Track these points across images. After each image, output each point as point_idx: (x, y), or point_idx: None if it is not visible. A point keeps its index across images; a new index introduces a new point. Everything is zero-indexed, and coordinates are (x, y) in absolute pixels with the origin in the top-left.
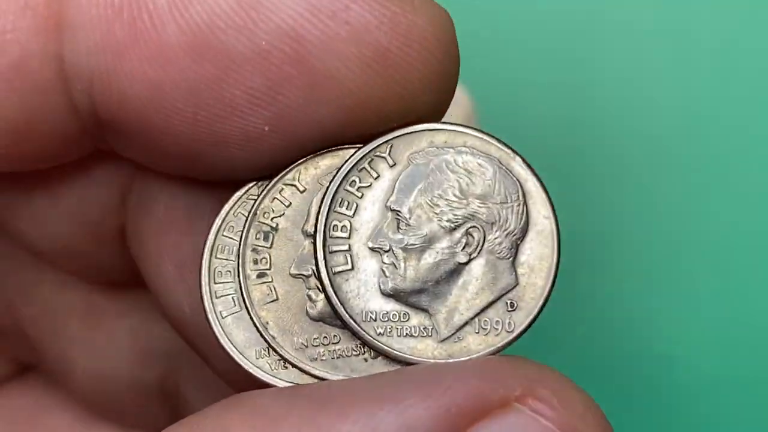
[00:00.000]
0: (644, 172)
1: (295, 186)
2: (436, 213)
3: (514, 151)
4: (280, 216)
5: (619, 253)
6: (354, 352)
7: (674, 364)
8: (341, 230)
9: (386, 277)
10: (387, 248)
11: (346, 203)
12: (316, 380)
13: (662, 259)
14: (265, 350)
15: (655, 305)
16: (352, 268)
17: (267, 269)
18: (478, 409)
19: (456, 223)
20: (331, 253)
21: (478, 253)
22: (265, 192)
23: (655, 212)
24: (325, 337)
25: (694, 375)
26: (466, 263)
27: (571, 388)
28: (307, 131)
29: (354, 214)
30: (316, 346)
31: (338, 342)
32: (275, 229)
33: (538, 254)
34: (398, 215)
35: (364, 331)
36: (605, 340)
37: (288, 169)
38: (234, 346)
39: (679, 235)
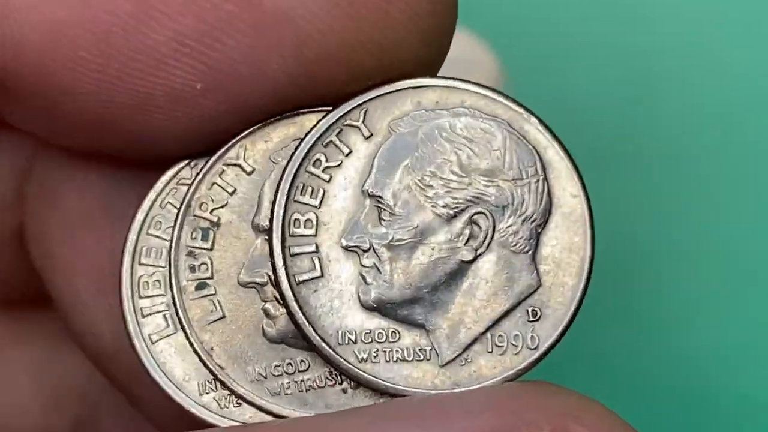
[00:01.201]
0: (701, 160)
1: (239, 166)
2: (429, 197)
3: (528, 110)
4: (221, 207)
5: (663, 251)
6: (329, 382)
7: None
8: (305, 225)
9: (367, 284)
10: (367, 246)
11: (309, 189)
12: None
13: (713, 258)
14: (210, 383)
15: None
16: (322, 275)
17: (208, 278)
18: None
19: (456, 209)
20: (293, 255)
21: (487, 247)
22: (201, 175)
23: (711, 206)
24: (290, 363)
25: None
26: (472, 261)
27: (617, 425)
28: (254, 91)
29: (321, 203)
30: (278, 375)
31: (307, 369)
32: (216, 224)
33: (565, 244)
34: (379, 202)
35: (341, 356)
36: (652, 356)
37: (230, 144)
38: (169, 380)
39: (736, 234)
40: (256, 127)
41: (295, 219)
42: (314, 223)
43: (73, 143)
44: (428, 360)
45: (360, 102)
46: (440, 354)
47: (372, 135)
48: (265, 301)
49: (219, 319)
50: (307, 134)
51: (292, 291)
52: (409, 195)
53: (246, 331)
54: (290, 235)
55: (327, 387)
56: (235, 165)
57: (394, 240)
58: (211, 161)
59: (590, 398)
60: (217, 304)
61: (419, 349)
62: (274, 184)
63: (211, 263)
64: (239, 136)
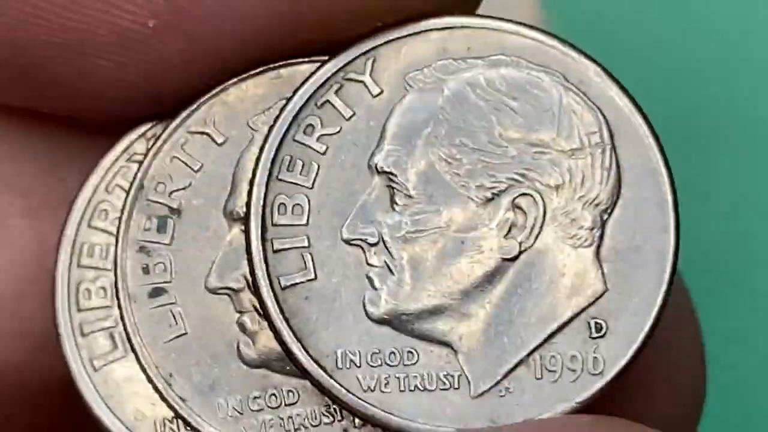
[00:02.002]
0: None
1: (208, 135)
2: (458, 175)
3: (589, 57)
4: (184, 188)
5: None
6: (325, 420)
7: None
8: (293, 212)
9: (376, 289)
10: (375, 240)
11: (299, 164)
12: None
13: None
14: (170, 422)
15: None
16: (315, 277)
17: (166, 282)
18: None
19: (494, 191)
20: (277, 252)
21: (536, 239)
22: (157, 146)
23: None
24: (273, 395)
25: None
26: (515, 258)
27: None
28: (225, 31)
29: (314, 182)
30: (258, 410)
31: (296, 402)
32: (176, 211)
33: (640, 236)
34: (392, 181)
35: (341, 384)
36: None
37: (195, 105)
38: (117, 418)
39: None
40: (229, 82)
41: (280, 204)
42: (305, 208)
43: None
44: (456, 389)
45: (367, 48)
46: (472, 382)
47: (382, 92)
48: (241, 312)
49: (180, 335)
50: (295, 91)
51: (276, 298)
52: (431, 172)
53: (216, 351)
54: (273, 225)
55: (323, 425)
56: (201, 133)
57: (412, 231)
58: (170, 128)
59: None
60: (177, 317)
61: (444, 375)
62: (254, 157)
63: (171, 263)
64: (207, 95)
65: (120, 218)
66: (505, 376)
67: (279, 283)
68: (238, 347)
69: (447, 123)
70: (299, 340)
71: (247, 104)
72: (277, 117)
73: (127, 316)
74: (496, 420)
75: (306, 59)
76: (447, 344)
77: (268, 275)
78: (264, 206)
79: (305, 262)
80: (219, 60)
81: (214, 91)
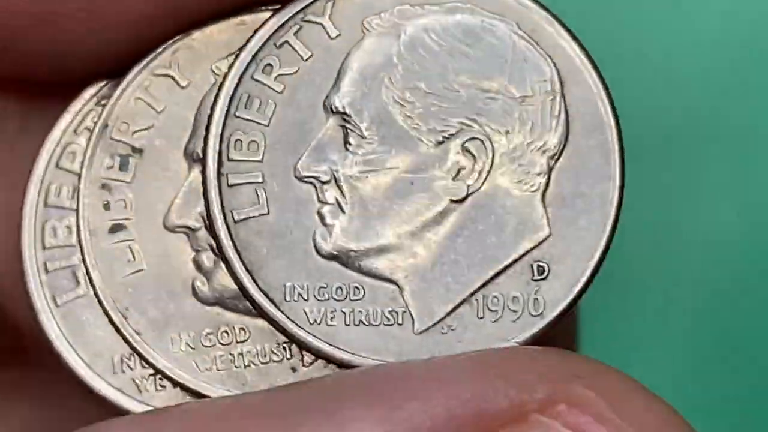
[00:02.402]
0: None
1: (171, 77)
2: (410, 117)
3: (543, 7)
4: (146, 129)
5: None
6: (274, 357)
7: None
8: (248, 148)
9: (326, 226)
10: (327, 177)
11: (256, 102)
12: None
13: None
14: (128, 359)
15: None
16: (268, 212)
17: (126, 219)
18: (473, 424)
19: (445, 134)
20: (231, 186)
21: (483, 182)
22: (121, 89)
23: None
24: (225, 332)
25: None
26: (463, 200)
27: (637, 390)
28: None
29: (270, 120)
30: (210, 346)
31: (246, 340)
32: (139, 150)
33: (585, 183)
34: (346, 121)
35: (287, 315)
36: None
37: (160, 49)
38: (78, 355)
39: None
40: (195, 29)
41: (237, 140)
42: (261, 145)
43: None
44: (400, 325)
45: None
46: (416, 318)
47: (340, 34)
48: (198, 251)
49: (137, 271)
50: (255, 31)
51: (229, 231)
52: (385, 114)
53: (172, 288)
54: (229, 160)
55: (272, 363)
56: (165, 76)
57: (364, 170)
58: (134, 71)
59: (606, 364)
60: (136, 253)
61: (389, 311)
62: (213, 100)
63: (131, 200)
64: (171, 40)
65: (84, 156)
66: (448, 314)
67: (232, 216)
68: (193, 285)
69: (402, 67)
70: (249, 273)
71: (211, 49)
72: (237, 56)
73: (87, 250)
74: (437, 356)
75: (270, 7)
76: (393, 281)
77: (222, 209)
78: (221, 142)
79: (258, 198)
80: (185, 14)
81: (175, 39)
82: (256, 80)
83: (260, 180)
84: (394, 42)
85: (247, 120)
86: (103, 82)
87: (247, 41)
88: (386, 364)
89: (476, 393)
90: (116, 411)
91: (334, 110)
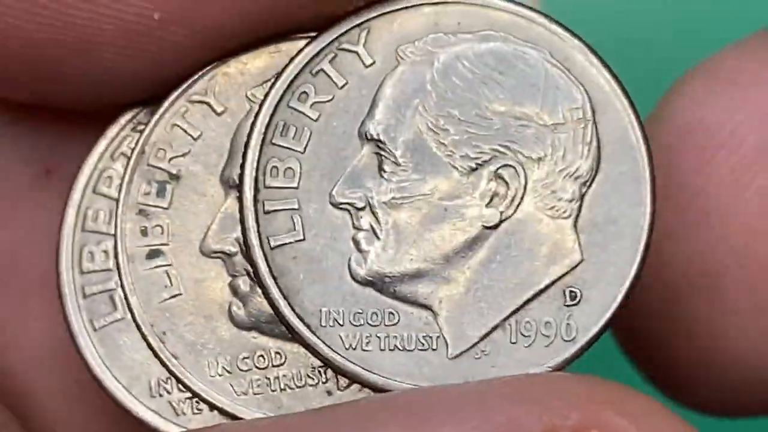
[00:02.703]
0: None
1: (208, 104)
2: (444, 144)
3: (575, 35)
4: (183, 155)
5: None
6: (309, 381)
7: None
8: (284, 175)
9: (361, 252)
10: (362, 204)
11: (292, 130)
12: None
13: None
14: (165, 382)
15: None
16: (304, 238)
17: (163, 244)
18: None
19: (478, 161)
20: (268, 213)
21: (516, 209)
22: (159, 115)
23: None
24: (261, 356)
25: None
26: (496, 227)
27: (666, 417)
28: (226, 15)
29: (306, 147)
30: (247, 370)
31: (283, 364)
32: (176, 176)
33: (617, 209)
34: (381, 149)
35: (323, 341)
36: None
37: (196, 76)
38: (114, 378)
39: None
40: (231, 57)
41: (273, 167)
42: (297, 172)
43: (3, 94)
44: (434, 350)
45: (361, 20)
46: (450, 343)
47: (374, 62)
48: (234, 276)
49: (175, 296)
50: (291, 60)
51: (266, 258)
52: (419, 141)
53: (208, 312)
54: (265, 187)
55: (307, 386)
56: (202, 102)
57: (398, 197)
58: (171, 97)
59: (636, 391)
60: (173, 278)
61: (423, 336)
62: (250, 127)
63: (168, 226)
64: (208, 67)
65: (121, 182)
66: (482, 339)
67: (269, 242)
68: (229, 309)
69: (436, 94)
70: (286, 298)
71: (247, 76)
72: (273, 84)
73: (125, 275)
74: (470, 381)
75: (305, 35)
76: (427, 307)
77: (259, 235)
78: (257, 169)
79: (294, 224)
80: (220, 43)
81: (212, 65)
82: (292, 108)
83: (296, 206)
84: (427, 70)
85: (283, 147)
86: (139, 108)
87: (283, 69)
88: (420, 388)
89: (510, 418)
90: None
91: (368, 137)
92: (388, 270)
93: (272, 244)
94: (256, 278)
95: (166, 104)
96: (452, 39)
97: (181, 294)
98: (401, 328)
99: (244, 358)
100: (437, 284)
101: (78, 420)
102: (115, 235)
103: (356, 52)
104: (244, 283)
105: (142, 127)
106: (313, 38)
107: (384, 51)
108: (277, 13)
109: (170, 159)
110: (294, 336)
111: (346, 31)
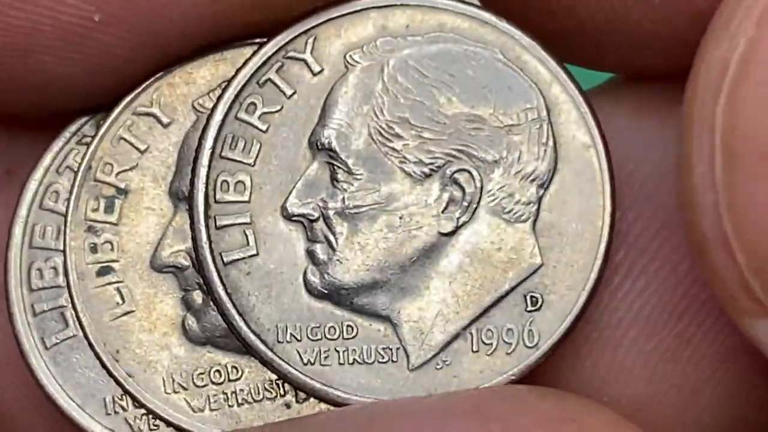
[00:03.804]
0: None
1: (153, 116)
2: (396, 150)
3: (527, 34)
4: (130, 169)
5: None
6: (267, 395)
7: None
8: (235, 189)
9: (316, 265)
10: (316, 215)
11: (241, 143)
12: None
13: None
14: (119, 398)
15: None
16: (257, 253)
17: (113, 260)
18: None
19: (432, 166)
20: (219, 228)
21: (473, 214)
22: (104, 129)
23: None
24: (217, 371)
25: None
26: (453, 233)
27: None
28: (168, 18)
29: (256, 160)
30: (203, 386)
31: (239, 378)
32: (124, 191)
33: (575, 210)
34: (332, 158)
35: (282, 358)
36: None
37: (141, 88)
38: (68, 395)
39: None
40: (174, 67)
41: (223, 181)
42: (247, 185)
43: None
44: (394, 362)
45: (307, 27)
46: (410, 355)
47: (323, 70)
48: (187, 290)
49: (127, 313)
50: (238, 71)
51: (218, 274)
52: (371, 149)
53: (162, 328)
54: (216, 202)
55: (265, 400)
56: (147, 115)
57: (351, 207)
58: (116, 111)
59: (597, 403)
60: (124, 294)
61: (383, 348)
62: (197, 139)
63: (118, 242)
64: (153, 78)
65: (68, 198)
66: (442, 349)
67: (222, 258)
68: (183, 324)
69: (386, 100)
70: (241, 315)
71: (192, 86)
72: (220, 96)
73: (76, 294)
74: (433, 392)
75: (251, 41)
76: (386, 318)
77: (211, 251)
78: (207, 184)
79: (247, 239)
80: (163, 46)
81: (157, 75)
82: (241, 120)
83: (248, 221)
84: (377, 75)
85: (233, 160)
86: (84, 119)
87: (230, 80)
88: (380, 402)
89: None
90: None
91: (319, 147)
92: (345, 281)
93: (225, 260)
94: (210, 295)
95: (111, 117)
96: (401, 42)
97: (133, 311)
98: (360, 342)
99: (200, 373)
100: (395, 294)
101: None
102: (64, 252)
103: (304, 60)
104: (197, 297)
105: (87, 140)
106: (259, 47)
107: (332, 58)
108: (220, 16)
109: (117, 173)
110: (251, 353)
111: (292, 39)
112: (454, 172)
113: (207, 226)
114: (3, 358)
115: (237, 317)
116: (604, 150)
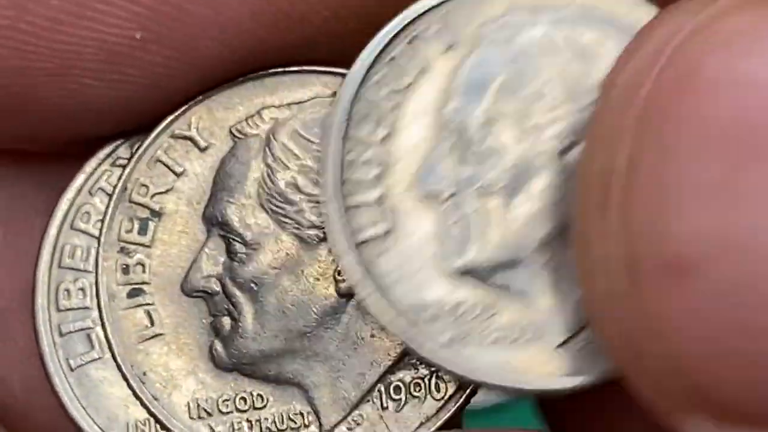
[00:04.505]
0: None
1: (191, 140)
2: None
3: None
4: (166, 191)
5: None
6: (291, 424)
7: None
8: (364, 167)
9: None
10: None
11: (372, 119)
12: None
13: None
14: (142, 423)
15: None
16: (391, 231)
17: (144, 282)
18: None
19: (567, 143)
20: (350, 208)
21: None
22: (141, 150)
23: None
24: (243, 398)
25: None
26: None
27: None
28: (210, 38)
29: (387, 136)
30: (228, 413)
31: (264, 406)
32: (158, 213)
33: None
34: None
35: (425, 333)
36: None
37: (179, 111)
38: (90, 418)
39: None
40: (214, 90)
41: (350, 161)
42: (379, 163)
43: None
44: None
45: (437, 2)
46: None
47: (454, 44)
48: (216, 316)
49: (155, 336)
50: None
51: (354, 256)
52: (503, 125)
53: (189, 353)
54: (347, 181)
55: (289, 430)
56: (185, 138)
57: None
58: (154, 132)
59: None
60: (154, 317)
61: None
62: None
63: (150, 264)
64: (191, 102)
65: (103, 219)
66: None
67: (355, 239)
68: (210, 350)
69: (518, 76)
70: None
71: (230, 111)
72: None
73: (106, 314)
74: None
75: (288, 69)
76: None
77: (343, 232)
78: (342, 164)
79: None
80: (202, 66)
81: (198, 98)
82: (368, 99)
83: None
84: (507, 50)
85: (363, 140)
86: (118, 142)
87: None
88: None
89: None
90: None
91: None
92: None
93: (358, 239)
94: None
95: (149, 139)
96: (532, 18)
97: (162, 334)
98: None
99: (225, 400)
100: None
101: None
102: (96, 273)
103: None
104: (226, 323)
105: (121, 161)
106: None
107: (463, 31)
108: (260, 33)
109: (152, 195)
110: (393, 332)
111: (420, 15)
112: None
113: (339, 208)
114: (33, 381)
115: (379, 300)
116: None
